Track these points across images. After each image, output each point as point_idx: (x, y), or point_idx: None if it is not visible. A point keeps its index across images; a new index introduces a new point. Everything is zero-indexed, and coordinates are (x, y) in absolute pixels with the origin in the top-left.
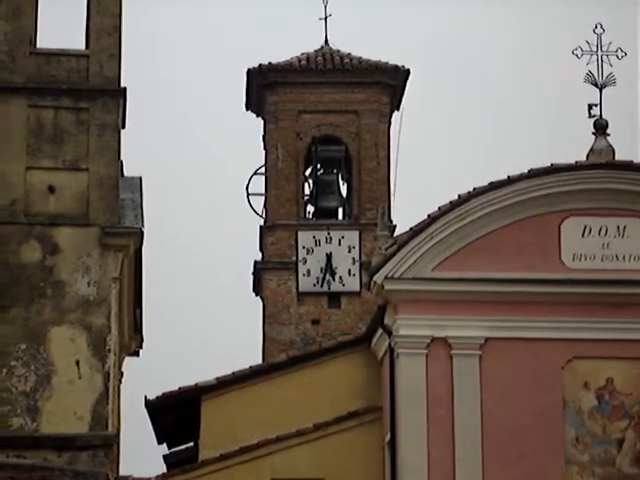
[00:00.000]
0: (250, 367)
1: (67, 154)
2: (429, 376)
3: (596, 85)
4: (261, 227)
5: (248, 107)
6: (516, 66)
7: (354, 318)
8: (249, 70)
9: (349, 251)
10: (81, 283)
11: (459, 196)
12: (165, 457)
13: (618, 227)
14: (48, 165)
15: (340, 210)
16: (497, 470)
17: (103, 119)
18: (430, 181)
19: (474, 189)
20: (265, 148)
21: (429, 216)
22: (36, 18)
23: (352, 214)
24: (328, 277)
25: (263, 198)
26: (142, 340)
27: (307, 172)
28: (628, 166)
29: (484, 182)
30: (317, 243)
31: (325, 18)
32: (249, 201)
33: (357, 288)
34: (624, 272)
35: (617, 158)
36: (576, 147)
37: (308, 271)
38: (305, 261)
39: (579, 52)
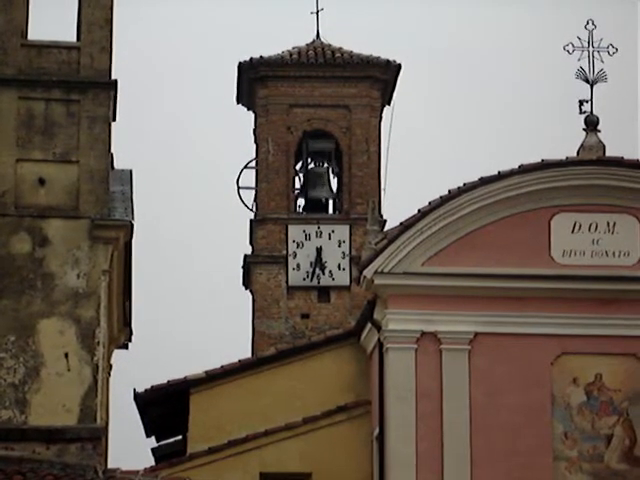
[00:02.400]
0: (239, 361)
1: (57, 146)
2: (418, 371)
3: (587, 81)
4: (251, 221)
5: (239, 100)
6: (507, 61)
7: (343, 312)
8: (240, 63)
9: (339, 245)
10: (71, 275)
11: (449, 191)
12: (153, 450)
13: (608, 223)
14: (38, 157)
15: (330, 203)
16: (485, 465)
17: (94, 112)
18: (420, 176)
19: (464, 184)
20: (256, 142)
21: (419, 211)
22: (27, 10)
23: (342, 208)
24: (318, 271)
25: (253, 192)
26: (131, 333)
27: (298, 166)
28: (618, 162)
29: (474, 177)
30: (307, 237)
31: (317, 12)
32: (239, 195)
33: (347, 282)
34: (614, 268)
35: (608, 154)
36: (567, 143)
37: (298, 265)
38: (295, 255)
39: (570, 48)
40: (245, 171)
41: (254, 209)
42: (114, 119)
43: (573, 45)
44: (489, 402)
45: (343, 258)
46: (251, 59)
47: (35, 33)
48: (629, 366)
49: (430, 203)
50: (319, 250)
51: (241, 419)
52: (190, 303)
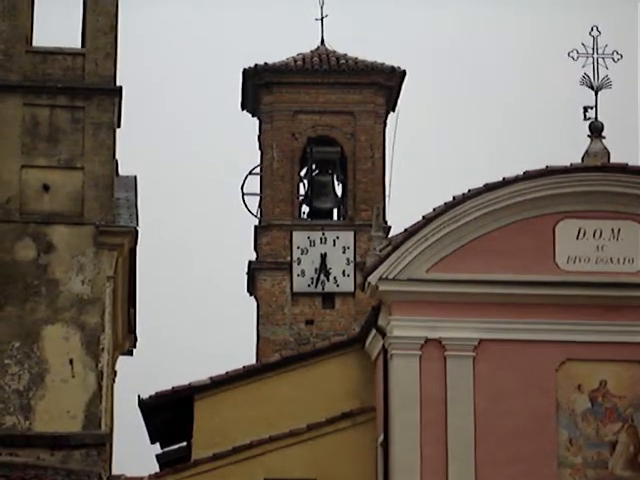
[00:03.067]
0: (244, 367)
1: (62, 153)
2: (423, 377)
3: (592, 87)
4: (256, 227)
5: (244, 107)
6: (512, 68)
7: (348, 319)
8: (245, 70)
9: (343, 252)
10: (75, 282)
11: (454, 198)
12: (158, 457)
13: (613, 230)
14: (43, 163)
15: (335, 211)
16: (490, 472)
17: (98, 118)
18: (425, 182)
19: (469, 191)
20: (260, 148)
21: (424, 217)
22: (32, 16)
23: (347, 215)
24: (322, 277)
25: (258, 198)
26: (136, 339)
27: (302, 172)
28: (623, 169)
29: (479, 184)
30: (312, 243)
31: (321, 19)
32: (244, 201)
33: (351, 289)
34: (618, 275)
35: (612, 161)
36: (571, 149)
37: (302, 271)
38: (299, 261)
39: (575, 54)
40: (250, 177)
41: (258, 215)
42: (119, 125)
43: (577, 51)
44: (493, 408)
45: (348, 264)
46: (256, 65)
47: (40, 39)
48: (634, 373)
49: (434, 209)
50: (323, 256)
51: (246, 425)
52: (194, 309)
